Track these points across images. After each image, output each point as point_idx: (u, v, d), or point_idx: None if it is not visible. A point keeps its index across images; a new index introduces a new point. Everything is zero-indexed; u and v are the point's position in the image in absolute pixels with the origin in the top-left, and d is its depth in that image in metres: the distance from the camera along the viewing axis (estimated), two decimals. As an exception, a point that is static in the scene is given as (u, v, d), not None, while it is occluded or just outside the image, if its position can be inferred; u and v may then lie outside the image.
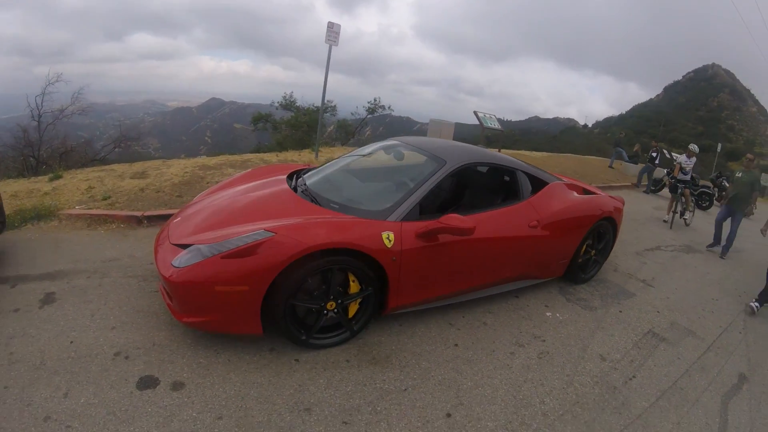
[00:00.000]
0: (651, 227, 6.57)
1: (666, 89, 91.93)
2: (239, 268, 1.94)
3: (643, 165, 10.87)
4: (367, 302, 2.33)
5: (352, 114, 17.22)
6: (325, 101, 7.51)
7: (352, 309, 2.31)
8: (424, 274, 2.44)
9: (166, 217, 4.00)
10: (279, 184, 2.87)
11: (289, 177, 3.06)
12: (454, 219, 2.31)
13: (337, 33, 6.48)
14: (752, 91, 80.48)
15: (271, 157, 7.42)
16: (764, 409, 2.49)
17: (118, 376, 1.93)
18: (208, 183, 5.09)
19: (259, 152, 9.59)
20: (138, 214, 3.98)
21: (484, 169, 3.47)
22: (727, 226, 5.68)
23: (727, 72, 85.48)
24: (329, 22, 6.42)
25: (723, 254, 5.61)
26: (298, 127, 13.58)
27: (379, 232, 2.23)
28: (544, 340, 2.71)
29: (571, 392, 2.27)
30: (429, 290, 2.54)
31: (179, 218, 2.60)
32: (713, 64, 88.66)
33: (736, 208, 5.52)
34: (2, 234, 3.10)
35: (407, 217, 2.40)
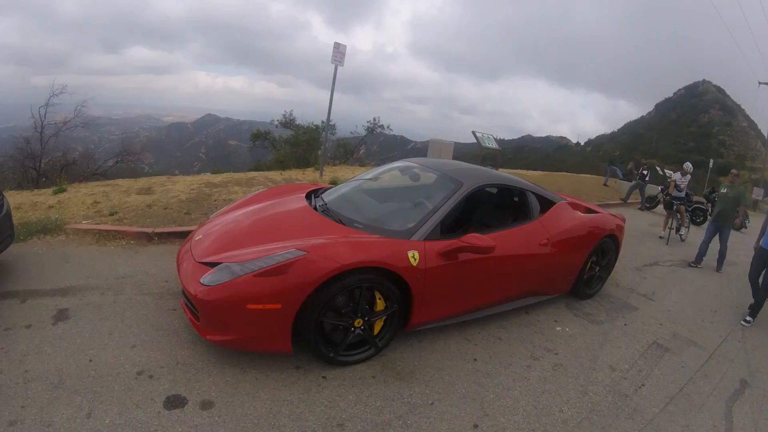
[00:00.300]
0: (648, 243, 6.73)
1: (657, 106, 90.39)
2: (272, 286, 1.97)
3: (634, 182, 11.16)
4: (392, 319, 2.37)
5: (351, 133, 17.46)
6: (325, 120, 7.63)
7: (377, 326, 2.35)
8: (445, 291, 2.51)
9: (177, 235, 3.99)
10: (299, 202, 2.94)
11: (307, 196, 3.13)
12: (474, 238, 2.40)
13: (343, 53, 6.65)
14: (742, 107, 77.90)
15: (275, 175, 7.47)
16: (767, 411, 2.59)
17: (143, 395, 1.90)
18: (215, 201, 5.12)
19: (261, 170, 9.63)
20: (149, 230, 3.96)
21: (495, 190, 3.58)
22: (716, 242, 5.78)
23: (718, 88, 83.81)
24: (335, 43, 6.56)
25: (718, 268, 5.76)
26: (298, 145, 13.72)
27: (405, 250, 2.30)
28: (556, 353, 2.78)
29: (586, 401, 2.34)
30: (449, 307, 2.60)
31: (201, 235, 2.61)
32: (704, 81, 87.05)
33: (723, 223, 5.63)
34: (10, 247, 3.05)
35: (429, 237, 2.48)
